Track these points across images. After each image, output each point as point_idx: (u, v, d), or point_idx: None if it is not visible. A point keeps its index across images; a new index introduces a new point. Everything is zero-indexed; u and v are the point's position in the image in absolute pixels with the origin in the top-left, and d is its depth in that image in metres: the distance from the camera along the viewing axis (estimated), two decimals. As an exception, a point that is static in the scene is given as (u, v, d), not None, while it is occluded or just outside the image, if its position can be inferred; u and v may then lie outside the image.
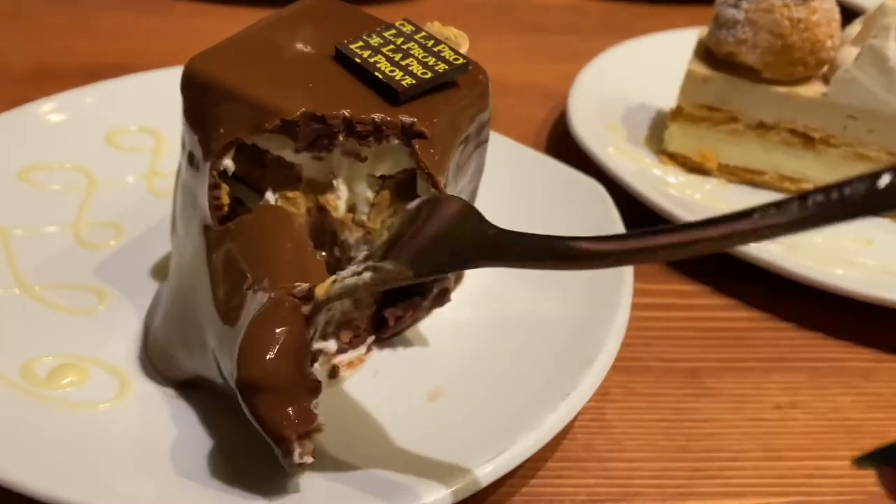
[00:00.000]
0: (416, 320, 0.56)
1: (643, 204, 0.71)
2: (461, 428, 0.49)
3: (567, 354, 0.53)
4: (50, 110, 0.71)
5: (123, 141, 0.71)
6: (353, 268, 0.42)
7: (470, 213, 0.40)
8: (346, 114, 0.47)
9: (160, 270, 0.59)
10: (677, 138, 0.79)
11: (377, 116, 0.47)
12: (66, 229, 0.62)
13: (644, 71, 0.89)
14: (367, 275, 0.41)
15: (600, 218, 0.64)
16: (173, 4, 1.04)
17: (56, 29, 0.96)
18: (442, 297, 0.54)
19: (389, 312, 0.54)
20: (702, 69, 0.76)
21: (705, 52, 0.78)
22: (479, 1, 1.14)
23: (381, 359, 0.55)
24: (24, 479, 0.42)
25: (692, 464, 0.54)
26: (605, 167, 0.74)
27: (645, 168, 0.79)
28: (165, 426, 0.48)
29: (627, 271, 0.59)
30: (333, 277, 0.43)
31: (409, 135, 0.48)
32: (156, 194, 0.67)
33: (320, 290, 0.42)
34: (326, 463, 0.46)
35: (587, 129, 0.78)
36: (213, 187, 0.48)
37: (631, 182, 0.72)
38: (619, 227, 0.63)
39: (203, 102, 0.48)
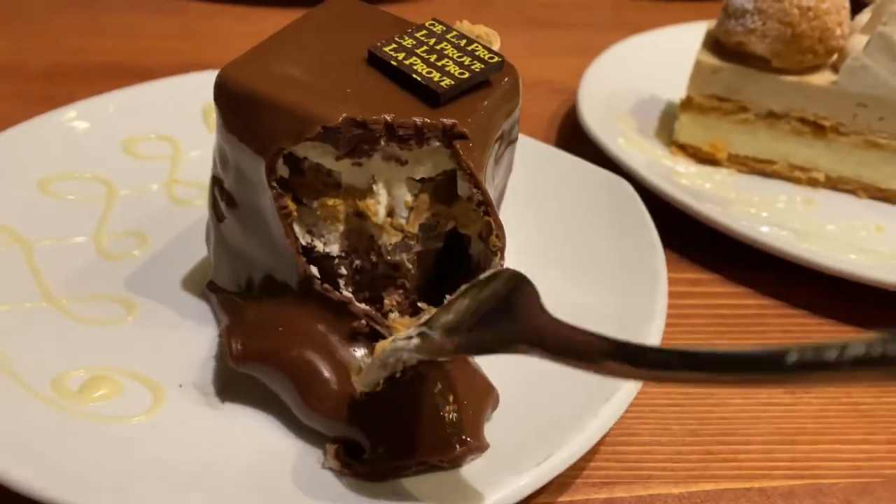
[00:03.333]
0: None
1: (655, 195, 0.71)
2: (500, 434, 0.48)
3: None
4: (69, 119, 0.70)
5: (141, 149, 0.71)
6: (409, 330, 0.43)
7: (525, 296, 0.41)
8: (388, 118, 0.46)
9: (188, 281, 0.59)
10: (687, 129, 0.80)
11: (419, 119, 0.47)
12: (89, 240, 0.62)
13: (653, 64, 0.90)
14: (415, 340, 0.42)
15: (630, 216, 0.64)
16: (186, 5, 1.05)
17: (71, 29, 0.97)
18: None
19: None
20: (711, 59, 0.77)
21: (714, 43, 0.78)
22: (490, -3, 1.15)
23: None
24: (58, 494, 0.41)
25: (704, 447, 0.55)
26: (615, 158, 0.74)
27: (655, 159, 0.79)
28: (201, 439, 0.47)
29: (662, 278, 0.59)
30: (392, 339, 0.44)
31: (450, 136, 0.47)
32: (176, 202, 0.67)
33: (377, 351, 0.44)
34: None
35: (597, 121, 0.79)
36: (279, 197, 0.48)
37: (642, 173, 0.72)
38: (649, 225, 0.63)
39: (240, 113, 0.48)
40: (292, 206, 0.49)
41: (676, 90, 0.82)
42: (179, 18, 1.02)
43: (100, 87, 0.76)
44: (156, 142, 0.72)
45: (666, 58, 0.89)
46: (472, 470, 0.46)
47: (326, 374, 0.48)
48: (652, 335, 0.54)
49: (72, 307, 0.56)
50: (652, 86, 0.88)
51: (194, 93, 0.70)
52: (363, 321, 0.50)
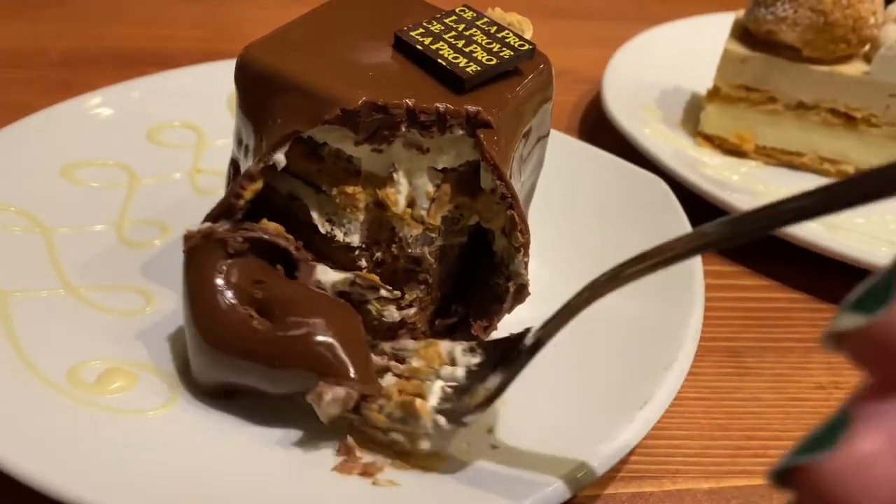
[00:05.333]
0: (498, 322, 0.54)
1: (680, 186, 0.70)
2: (529, 440, 0.47)
3: (641, 359, 0.51)
4: (94, 105, 0.69)
5: (165, 137, 0.70)
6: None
7: None
8: (410, 103, 0.45)
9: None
10: (714, 119, 0.78)
11: (441, 105, 0.45)
12: (110, 228, 0.61)
13: (678, 54, 0.88)
14: None
15: (664, 213, 0.63)
16: (205, -10, 1.04)
17: (90, 15, 0.97)
18: (521, 294, 0.52)
19: (477, 327, 0.53)
20: (740, 48, 0.75)
21: (743, 32, 0.77)
22: (510, -14, 1.14)
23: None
24: (71, 488, 0.40)
25: (734, 442, 0.54)
26: (641, 148, 0.73)
27: (681, 149, 0.78)
28: (218, 434, 0.46)
29: (698, 271, 0.57)
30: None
31: (473, 124, 0.46)
32: (199, 192, 0.66)
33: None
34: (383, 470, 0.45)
35: (623, 111, 0.78)
36: (248, 177, 0.46)
37: (669, 163, 0.71)
38: (684, 222, 0.61)
39: (259, 93, 0.47)
40: (250, 194, 0.48)
41: (702, 81, 0.81)
42: (200, 5, 1.01)
43: (119, 73, 0.76)
44: (180, 130, 0.71)
45: (691, 48, 0.87)
46: (499, 478, 0.44)
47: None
48: (687, 340, 0.52)
49: (90, 296, 0.55)
50: (677, 76, 0.87)
51: (220, 81, 0.69)
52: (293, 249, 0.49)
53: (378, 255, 0.51)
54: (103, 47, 0.90)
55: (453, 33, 0.49)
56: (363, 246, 0.51)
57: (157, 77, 0.73)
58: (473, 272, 0.55)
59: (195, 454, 0.45)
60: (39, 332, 0.51)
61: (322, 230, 0.50)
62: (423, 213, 0.49)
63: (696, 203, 0.70)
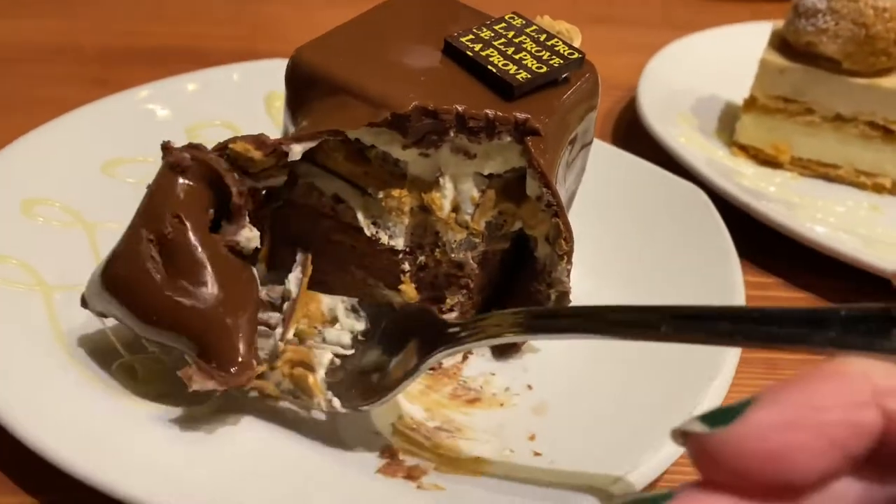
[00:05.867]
0: None
1: (715, 196, 0.69)
2: (572, 449, 0.47)
3: (684, 371, 0.50)
4: (134, 102, 0.69)
5: (204, 135, 0.68)
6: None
7: None
8: (459, 109, 0.45)
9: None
10: (750, 130, 0.78)
11: (490, 112, 0.45)
12: None
13: (713, 63, 0.88)
14: None
15: (703, 224, 0.62)
16: (239, -9, 1.05)
17: (125, 12, 0.97)
18: (562, 302, 0.52)
19: None
20: (778, 59, 0.75)
21: (781, 43, 0.77)
22: (542, -8, 1.14)
23: (477, 369, 0.53)
24: (121, 484, 0.41)
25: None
26: (677, 157, 0.73)
27: (716, 159, 0.78)
28: (262, 435, 0.47)
29: (739, 283, 0.57)
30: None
31: (522, 132, 0.46)
32: None
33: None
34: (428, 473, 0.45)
35: (658, 119, 0.77)
36: (256, 140, 0.45)
37: (705, 172, 0.71)
38: (723, 233, 0.61)
39: (310, 94, 0.47)
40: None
41: (736, 90, 0.81)
42: (234, 4, 1.02)
43: (154, 71, 0.76)
44: (220, 129, 0.70)
45: (726, 57, 0.87)
46: (542, 485, 0.44)
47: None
48: (729, 353, 0.52)
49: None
50: (712, 85, 0.86)
51: (258, 80, 0.70)
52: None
53: (421, 259, 0.51)
54: (138, 44, 0.91)
55: (503, 40, 0.49)
56: (407, 250, 0.51)
57: (194, 75, 0.73)
58: (514, 279, 0.55)
59: (240, 454, 0.45)
60: (83, 327, 0.51)
61: (367, 233, 0.50)
62: (468, 217, 0.49)
63: (731, 212, 0.69)
